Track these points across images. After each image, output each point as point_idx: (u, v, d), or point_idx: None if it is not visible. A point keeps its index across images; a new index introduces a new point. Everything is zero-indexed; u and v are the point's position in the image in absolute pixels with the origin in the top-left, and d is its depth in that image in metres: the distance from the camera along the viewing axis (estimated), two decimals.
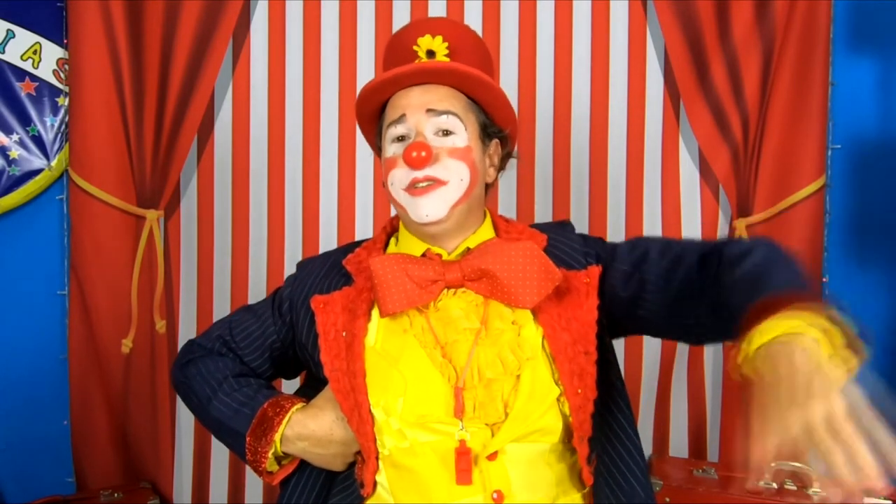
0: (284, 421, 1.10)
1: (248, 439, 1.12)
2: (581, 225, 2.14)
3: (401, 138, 1.12)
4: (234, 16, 2.04)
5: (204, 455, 2.16)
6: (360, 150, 2.15)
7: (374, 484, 1.08)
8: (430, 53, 1.14)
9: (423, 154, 1.06)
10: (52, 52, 2.08)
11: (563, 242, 1.17)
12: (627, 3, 2.11)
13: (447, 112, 1.10)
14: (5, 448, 2.11)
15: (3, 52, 2.04)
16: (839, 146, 2.09)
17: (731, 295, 0.91)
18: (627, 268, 1.11)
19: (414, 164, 1.07)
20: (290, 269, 2.12)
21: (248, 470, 2.14)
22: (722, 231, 2.10)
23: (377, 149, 1.22)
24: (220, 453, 2.16)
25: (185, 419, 2.14)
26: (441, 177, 1.08)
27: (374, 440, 1.05)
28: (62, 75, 2.08)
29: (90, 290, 2.03)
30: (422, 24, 1.20)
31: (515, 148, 1.25)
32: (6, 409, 2.10)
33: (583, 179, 2.15)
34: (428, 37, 1.13)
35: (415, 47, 1.14)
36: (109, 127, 2.01)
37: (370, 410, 1.06)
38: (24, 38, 2.06)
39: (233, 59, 2.12)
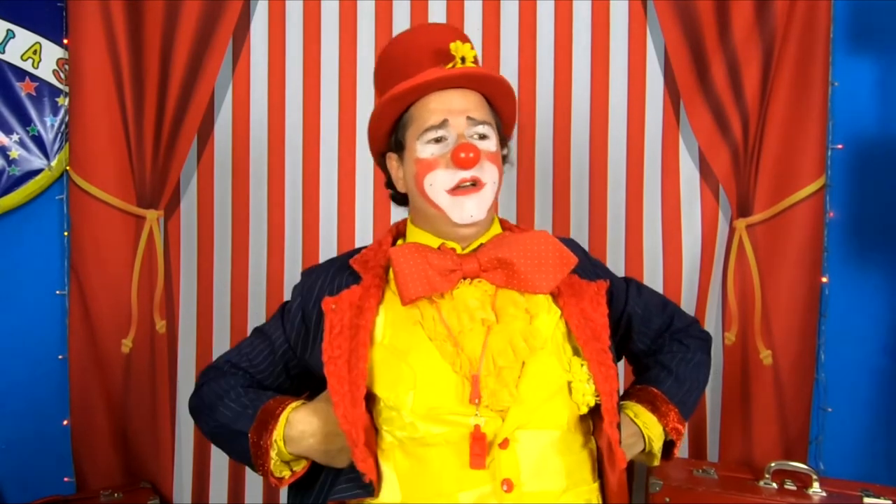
0: (284, 414, 1.11)
1: (250, 436, 1.12)
2: (581, 225, 2.15)
3: (439, 140, 1.15)
4: (234, 16, 2.03)
5: (204, 455, 2.16)
6: (360, 150, 2.15)
7: (380, 472, 1.08)
8: (463, 59, 1.16)
9: (472, 155, 1.11)
10: (52, 52, 2.08)
11: (571, 249, 1.20)
12: (627, 3, 2.10)
13: (484, 122, 1.16)
14: (5, 448, 2.11)
15: (3, 52, 2.04)
16: (839, 146, 2.09)
17: (651, 367, 1.32)
18: (636, 318, 1.33)
19: (464, 165, 1.11)
20: (290, 269, 2.14)
21: (248, 470, 2.15)
22: (722, 231, 2.10)
23: (385, 147, 1.23)
24: (219, 453, 2.14)
25: (185, 419, 2.14)
26: (482, 178, 1.14)
27: (363, 428, 1.06)
28: (62, 75, 2.08)
29: (90, 290, 2.03)
30: (445, 28, 1.23)
31: (509, 152, 1.29)
32: (6, 409, 2.10)
33: (583, 179, 2.15)
34: (458, 42, 1.16)
35: (452, 52, 1.15)
36: (109, 127, 2.01)
37: (364, 397, 1.07)
38: (24, 38, 2.06)
39: (233, 59, 2.12)
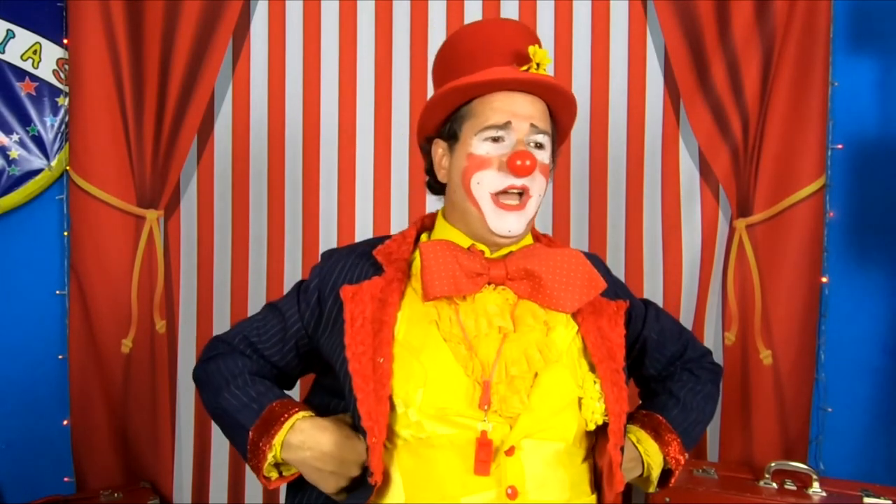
0: (290, 421, 1.10)
1: (250, 434, 1.11)
2: (581, 225, 2.15)
3: (497, 139, 1.13)
4: (234, 16, 2.04)
5: (204, 455, 2.16)
6: (360, 150, 2.15)
7: (385, 474, 1.08)
8: (538, 65, 1.15)
9: (528, 164, 1.10)
10: (52, 52, 2.08)
11: (596, 267, 1.20)
12: (627, 3, 2.11)
13: (545, 132, 1.15)
14: (5, 448, 2.11)
15: (3, 52, 2.04)
16: (839, 146, 2.09)
17: (659, 393, 1.32)
18: (651, 343, 1.32)
19: (519, 173, 1.10)
20: (290, 269, 2.14)
21: (248, 470, 2.16)
22: (722, 231, 2.10)
23: (434, 133, 1.21)
24: (220, 453, 2.16)
25: (185, 419, 2.15)
26: (531, 189, 1.13)
27: (385, 425, 1.06)
28: (62, 75, 2.08)
29: (90, 290, 2.03)
30: (523, 28, 1.21)
31: (555, 166, 1.29)
32: (6, 409, 2.10)
33: (583, 179, 2.15)
34: (537, 46, 1.15)
35: (531, 55, 1.14)
36: (109, 127, 2.01)
37: (389, 396, 1.07)
38: (24, 38, 2.06)
39: (233, 59, 2.12)
